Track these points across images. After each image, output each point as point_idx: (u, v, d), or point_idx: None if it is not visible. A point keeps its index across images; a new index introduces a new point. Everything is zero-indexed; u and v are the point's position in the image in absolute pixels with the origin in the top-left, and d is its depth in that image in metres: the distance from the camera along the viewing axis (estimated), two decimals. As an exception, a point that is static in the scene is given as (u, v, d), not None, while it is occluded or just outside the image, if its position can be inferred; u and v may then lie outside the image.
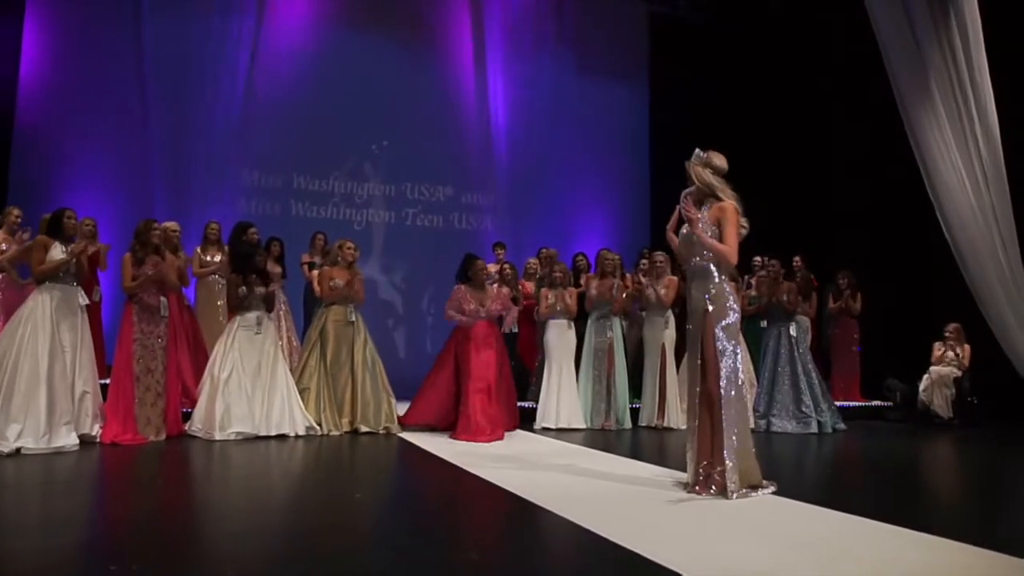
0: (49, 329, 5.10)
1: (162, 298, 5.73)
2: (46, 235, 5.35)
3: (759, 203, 4.59)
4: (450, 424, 6.27)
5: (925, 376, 7.88)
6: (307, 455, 5.31)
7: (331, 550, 2.89)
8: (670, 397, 7.06)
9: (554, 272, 7.21)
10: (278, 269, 7.13)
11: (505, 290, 6.84)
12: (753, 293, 7.92)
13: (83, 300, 5.38)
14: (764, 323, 7.86)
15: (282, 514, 3.66)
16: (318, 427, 6.08)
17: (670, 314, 7.27)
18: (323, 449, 5.54)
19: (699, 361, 3.95)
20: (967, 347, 7.88)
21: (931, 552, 2.88)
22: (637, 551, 2.79)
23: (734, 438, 3.79)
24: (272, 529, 3.28)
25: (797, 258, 7.71)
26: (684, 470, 4.09)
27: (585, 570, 2.77)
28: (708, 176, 3.97)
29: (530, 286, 7.87)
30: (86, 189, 8.63)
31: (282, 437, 5.86)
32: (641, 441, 6.37)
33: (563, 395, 6.95)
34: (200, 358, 6.42)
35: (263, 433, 5.81)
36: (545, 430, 6.70)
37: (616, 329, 7.20)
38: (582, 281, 7.70)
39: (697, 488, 3.87)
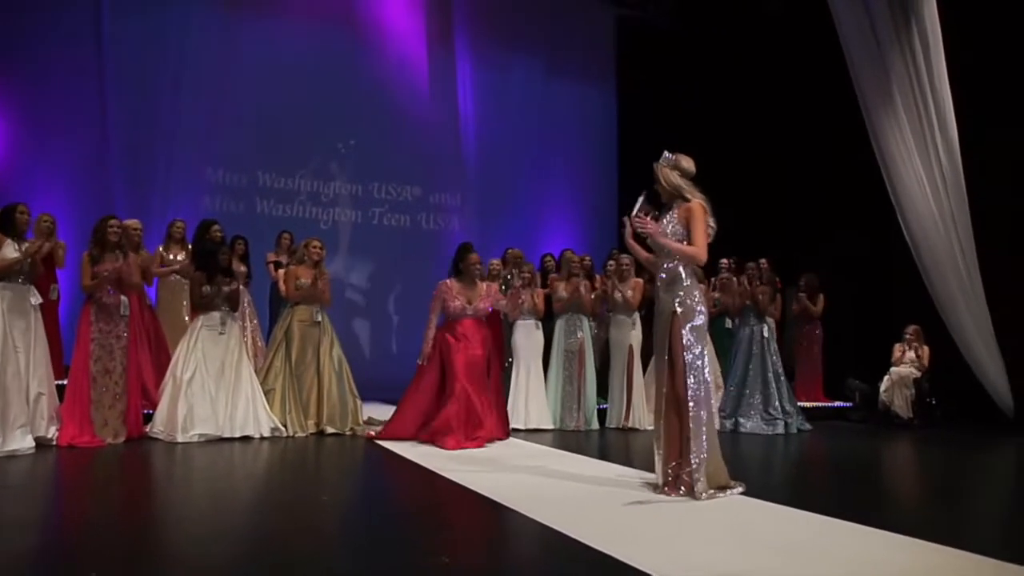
0: (0, 330, 4.95)
1: (122, 297, 5.58)
2: (-4, 231, 5.18)
3: (726, 205, 4.61)
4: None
5: (886, 377, 8.02)
6: (272, 457, 5.23)
7: (298, 555, 2.84)
8: (637, 398, 7.08)
9: (522, 272, 7.19)
10: (243, 268, 7.02)
11: (495, 286, 6.33)
12: (716, 295, 7.99)
13: (36, 300, 5.23)
14: (729, 324, 7.96)
15: (247, 517, 3.59)
16: (283, 428, 5.98)
17: (637, 316, 7.29)
18: (288, 451, 5.45)
19: (667, 362, 3.96)
20: (926, 348, 8.04)
21: (900, 552, 2.91)
22: (609, 552, 2.78)
23: (703, 439, 3.80)
24: (236, 533, 3.21)
25: (764, 260, 7.80)
26: (652, 471, 4.10)
27: (557, 572, 2.75)
28: (676, 178, 4.01)
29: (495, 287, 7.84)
30: (44, 185, 8.41)
31: (246, 439, 5.75)
32: (609, 442, 6.38)
33: (531, 396, 6.94)
34: (162, 358, 6.28)
35: (227, 435, 5.69)
36: (514, 431, 6.67)
37: (586, 330, 7.22)
38: (548, 282, 7.70)
39: (666, 489, 3.88)
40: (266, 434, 5.86)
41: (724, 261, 8.17)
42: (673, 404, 3.93)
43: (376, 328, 10.58)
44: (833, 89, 8.85)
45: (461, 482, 4.19)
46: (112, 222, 5.58)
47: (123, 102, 9.00)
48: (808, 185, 10.03)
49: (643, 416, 7.00)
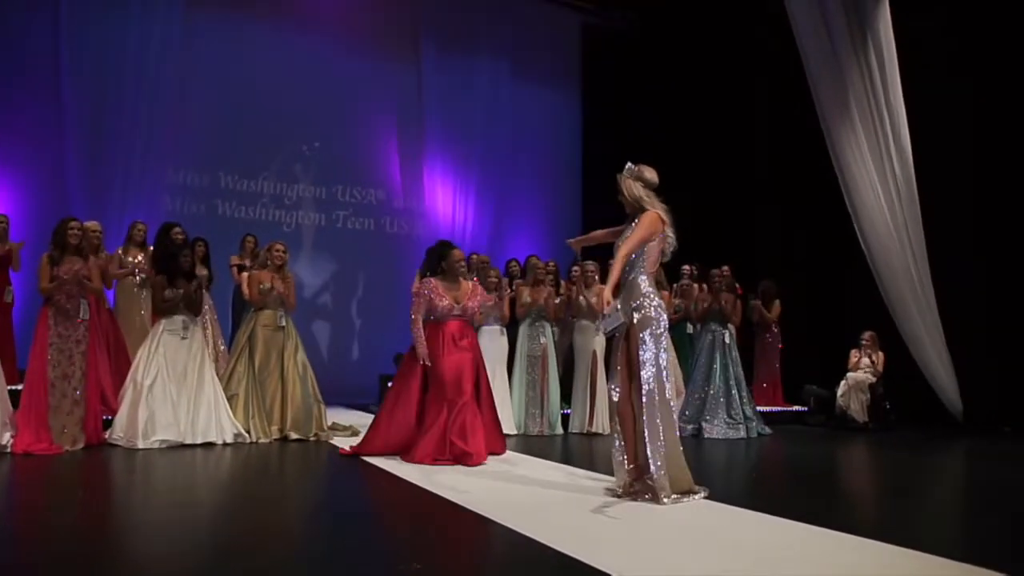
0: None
1: (82, 300, 5.47)
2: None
3: (688, 212, 4.71)
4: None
5: (843, 382, 8.22)
6: (235, 464, 5.16)
7: (262, 563, 2.81)
8: (600, 403, 7.13)
9: (488, 278, 7.21)
10: (204, 271, 6.93)
11: (479, 285, 5.80)
12: (677, 301, 8.10)
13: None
14: (691, 329, 8.08)
15: (210, 526, 3.53)
16: (247, 434, 5.92)
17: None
18: (252, 457, 5.39)
19: (625, 369, 4.01)
20: (881, 354, 8.26)
21: (858, 552, 3.00)
22: (576, 556, 2.81)
23: (661, 444, 3.84)
24: (200, 542, 3.17)
25: (726, 267, 7.94)
26: (614, 475, 4.14)
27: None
28: (638, 189, 4.07)
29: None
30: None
31: (209, 445, 5.67)
32: (572, 447, 6.43)
33: (496, 401, 6.94)
34: (121, 363, 6.17)
35: (189, 441, 5.61)
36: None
37: (549, 336, 7.28)
38: (514, 288, 7.73)
39: (628, 494, 3.93)
40: (229, 440, 5.79)
41: (686, 268, 8.31)
42: (632, 410, 3.98)
43: (337, 332, 10.51)
44: (792, 101, 9.06)
45: (426, 487, 4.20)
46: (72, 224, 5.48)
47: (81, 101, 8.81)
48: (768, 193, 10.24)
49: (606, 421, 7.04)
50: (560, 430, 7.14)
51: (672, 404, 4.04)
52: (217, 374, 6.14)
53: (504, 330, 7.16)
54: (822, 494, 4.65)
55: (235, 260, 7.72)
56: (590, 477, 4.64)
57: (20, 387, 5.45)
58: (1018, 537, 3.50)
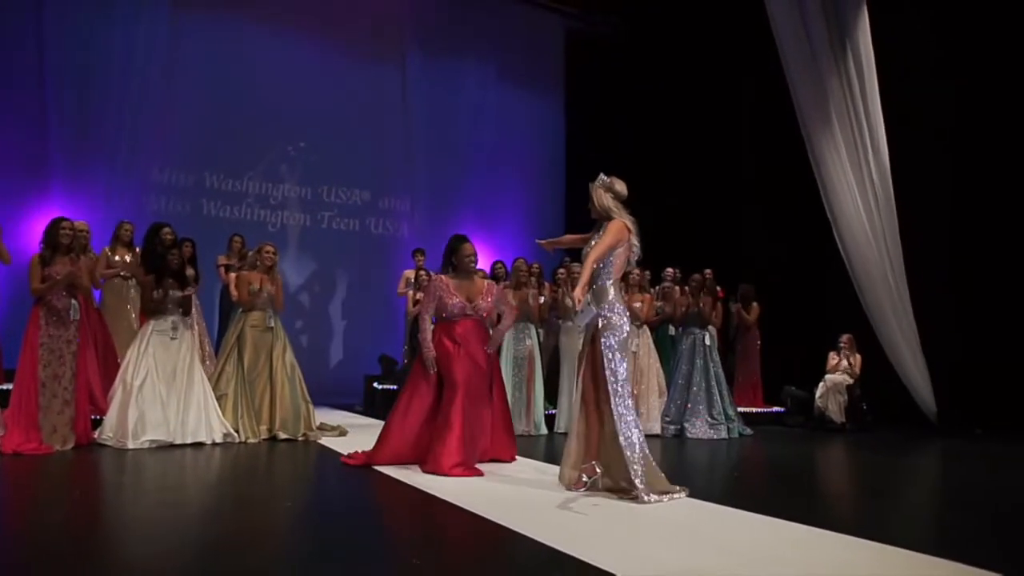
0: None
1: (72, 300, 5.48)
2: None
3: (672, 215, 4.83)
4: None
5: (821, 384, 8.40)
6: (224, 463, 5.19)
7: (253, 563, 2.82)
8: (585, 404, 7.23)
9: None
10: (190, 271, 6.93)
11: (495, 284, 5.40)
12: (659, 304, 8.22)
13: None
14: (672, 331, 8.21)
15: (200, 525, 3.54)
16: (236, 434, 5.95)
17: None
18: (241, 457, 5.42)
19: (589, 373, 4.16)
20: (859, 357, 8.44)
21: (837, 549, 3.11)
22: (570, 552, 2.90)
23: (636, 446, 3.99)
24: (190, 542, 3.18)
25: (708, 271, 8.06)
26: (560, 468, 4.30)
27: (522, 571, 2.86)
28: (608, 200, 4.23)
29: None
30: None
31: (198, 445, 5.71)
32: (557, 447, 6.50)
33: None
34: (110, 363, 6.18)
35: (178, 441, 5.64)
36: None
37: (534, 337, 7.37)
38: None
39: (575, 486, 4.08)
40: (218, 440, 5.82)
41: (668, 271, 8.43)
42: (594, 410, 4.15)
43: (323, 333, 10.54)
44: (775, 108, 9.20)
45: (415, 485, 4.27)
46: (64, 224, 5.48)
47: (65, 100, 8.78)
48: (751, 196, 10.39)
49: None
50: (545, 430, 7.24)
51: (632, 408, 4.13)
52: (204, 374, 6.17)
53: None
54: (802, 493, 4.78)
55: (222, 260, 7.74)
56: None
57: (9, 387, 5.45)
58: (991, 534, 3.64)
